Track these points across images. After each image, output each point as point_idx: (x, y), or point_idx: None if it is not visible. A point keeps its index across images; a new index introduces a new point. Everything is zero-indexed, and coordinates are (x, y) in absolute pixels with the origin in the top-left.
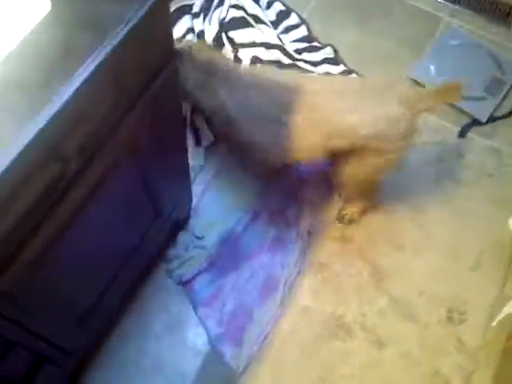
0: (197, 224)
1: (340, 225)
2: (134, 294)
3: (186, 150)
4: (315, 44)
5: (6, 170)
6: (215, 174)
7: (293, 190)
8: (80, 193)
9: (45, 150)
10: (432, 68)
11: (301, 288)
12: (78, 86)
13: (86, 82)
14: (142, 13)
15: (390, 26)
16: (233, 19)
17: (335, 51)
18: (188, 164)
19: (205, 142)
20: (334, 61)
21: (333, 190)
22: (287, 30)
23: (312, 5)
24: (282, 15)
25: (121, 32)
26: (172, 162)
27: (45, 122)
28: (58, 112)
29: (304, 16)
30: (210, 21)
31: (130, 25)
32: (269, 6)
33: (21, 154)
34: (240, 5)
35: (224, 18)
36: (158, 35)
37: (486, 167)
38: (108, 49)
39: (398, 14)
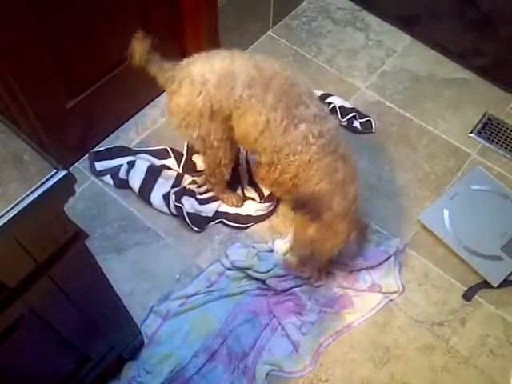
0: (150, 355)
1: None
2: None
3: (111, 302)
4: None
5: None
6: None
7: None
8: None
9: None
10: (445, 213)
11: None
12: None
13: None
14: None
15: (412, 159)
16: None
17: None
18: (119, 308)
19: None
20: None
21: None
22: None
23: None
24: None
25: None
26: (93, 314)
27: None
28: None
29: None
30: None
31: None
32: None
33: None
34: None
35: None
36: (50, 221)
37: (488, 342)
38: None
39: (422, 145)
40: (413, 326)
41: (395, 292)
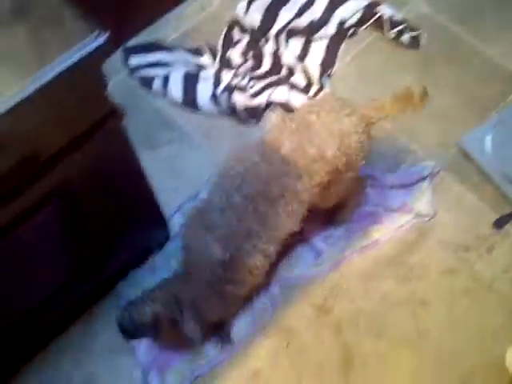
0: (176, 248)
1: (324, 292)
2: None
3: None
4: None
5: None
6: None
7: None
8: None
9: None
10: (488, 140)
11: (258, 349)
12: None
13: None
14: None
15: (458, 80)
16: None
17: None
18: (150, 195)
19: None
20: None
21: None
22: None
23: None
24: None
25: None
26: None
27: None
28: None
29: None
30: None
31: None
32: None
33: None
34: None
35: None
36: (91, 89)
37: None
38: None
39: (472, 67)
40: (439, 248)
41: (426, 214)
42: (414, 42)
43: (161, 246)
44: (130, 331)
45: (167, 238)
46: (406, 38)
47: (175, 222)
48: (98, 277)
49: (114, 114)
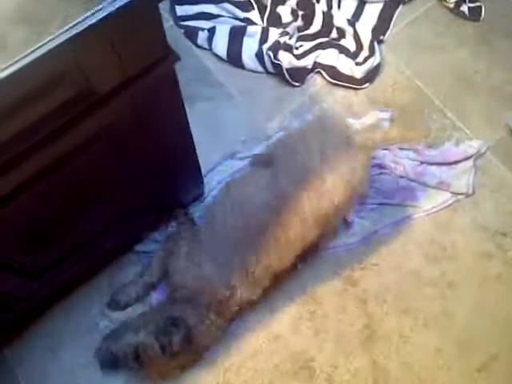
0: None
1: (353, 264)
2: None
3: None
4: None
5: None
6: None
7: None
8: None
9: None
10: None
11: (282, 314)
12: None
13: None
14: None
15: None
16: None
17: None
18: (190, 148)
19: None
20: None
21: None
22: None
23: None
24: None
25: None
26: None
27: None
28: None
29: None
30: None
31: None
32: None
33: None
34: None
35: None
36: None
37: None
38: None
39: None
40: (475, 231)
41: (463, 194)
42: (475, 13)
43: (193, 202)
44: (109, 364)
45: (201, 194)
46: (465, 8)
47: (208, 182)
48: (127, 230)
49: (168, 56)
